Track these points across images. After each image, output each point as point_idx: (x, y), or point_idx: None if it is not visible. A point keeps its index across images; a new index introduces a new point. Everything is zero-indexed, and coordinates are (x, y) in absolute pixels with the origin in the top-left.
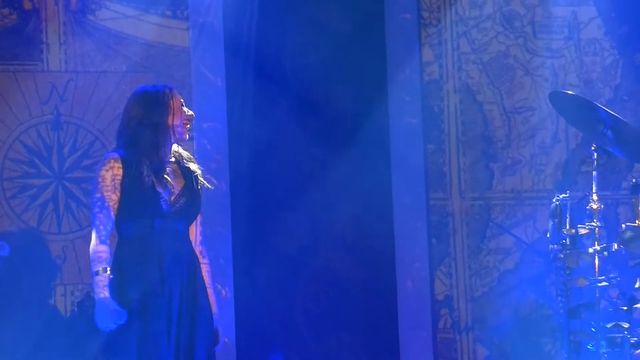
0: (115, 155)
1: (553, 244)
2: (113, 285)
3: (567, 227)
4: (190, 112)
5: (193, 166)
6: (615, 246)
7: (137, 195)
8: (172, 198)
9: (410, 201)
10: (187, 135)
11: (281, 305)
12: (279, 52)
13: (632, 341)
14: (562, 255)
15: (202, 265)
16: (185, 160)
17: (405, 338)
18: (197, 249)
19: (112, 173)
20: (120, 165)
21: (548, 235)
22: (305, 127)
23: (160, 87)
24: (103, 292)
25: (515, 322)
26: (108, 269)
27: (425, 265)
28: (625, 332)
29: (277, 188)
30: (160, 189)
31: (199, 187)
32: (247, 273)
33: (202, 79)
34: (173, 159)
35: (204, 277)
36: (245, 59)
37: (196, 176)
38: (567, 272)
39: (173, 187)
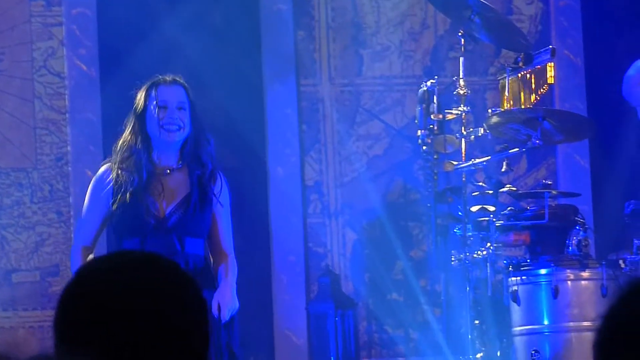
0: (108, 163)
1: (421, 129)
2: None
3: (435, 113)
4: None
5: (206, 175)
6: (482, 131)
7: (122, 212)
8: (162, 213)
9: (280, 88)
10: (171, 136)
11: None
12: None
13: (497, 224)
14: (430, 141)
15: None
16: (200, 167)
17: (275, 223)
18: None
19: (101, 183)
20: (110, 176)
21: (416, 121)
22: (176, 11)
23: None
24: None
25: (384, 207)
26: None
27: (296, 151)
28: (491, 216)
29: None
30: (149, 204)
31: (208, 196)
32: None
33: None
34: (180, 165)
35: (222, 274)
36: None
37: (204, 185)
38: (435, 157)
39: (165, 200)
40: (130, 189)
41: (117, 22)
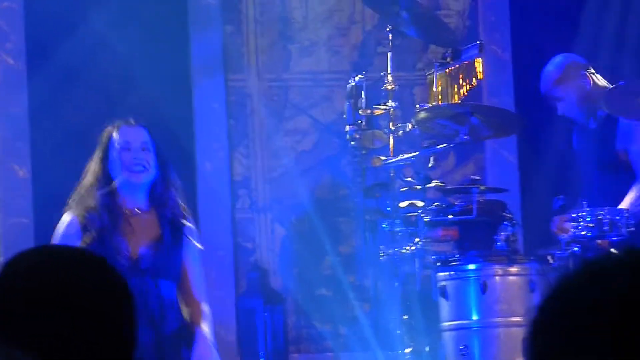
0: (69, 211)
1: (349, 125)
2: None
3: (363, 108)
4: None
5: (176, 217)
6: (410, 126)
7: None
8: (135, 254)
9: (208, 82)
10: (136, 177)
11: None
12: None
13: (425, 220)
14: (358, 136)
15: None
16: (170, 209)
17: (204, 218)
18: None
19: (67, 235)
20: (75, 226)
21: (344, 116)
22: (104, 5)
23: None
24: None
25: (313, 202)
26: None
27: (224, 146)
28: (420, 211)
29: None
30: (119, 245)
31: (179, 239)
32: None
33: None
34: (148, 208)
35: (199, 331)
36: None
37: (175, 227)
38: (363, 152)
39: (135, 240)
40: (98, 231)
41: (45, 16)
